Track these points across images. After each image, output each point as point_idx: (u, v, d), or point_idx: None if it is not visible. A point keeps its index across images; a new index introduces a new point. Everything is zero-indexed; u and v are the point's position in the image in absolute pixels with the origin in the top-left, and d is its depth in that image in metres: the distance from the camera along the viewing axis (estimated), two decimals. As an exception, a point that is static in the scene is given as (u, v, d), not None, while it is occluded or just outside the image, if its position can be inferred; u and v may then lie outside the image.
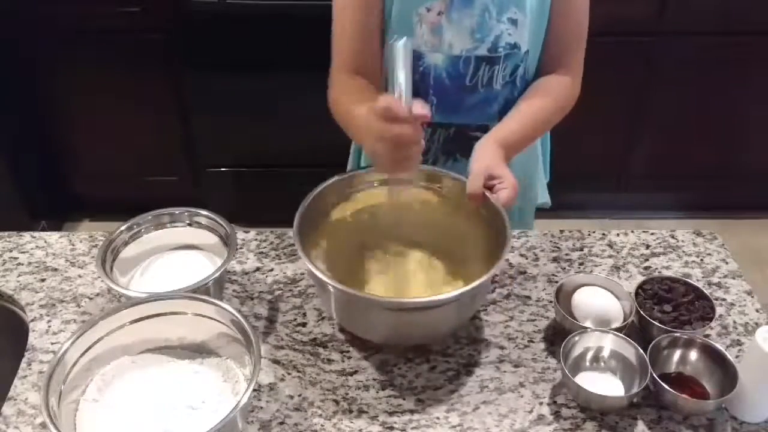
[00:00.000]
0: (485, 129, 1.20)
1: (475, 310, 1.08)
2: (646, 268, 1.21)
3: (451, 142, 1.22)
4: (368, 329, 1.02)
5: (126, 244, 1.11)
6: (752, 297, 1.16)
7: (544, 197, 1.41)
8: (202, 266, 1.11)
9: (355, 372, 1.03)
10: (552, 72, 1.21)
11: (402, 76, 0.88)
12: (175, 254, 1.14)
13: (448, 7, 1.11)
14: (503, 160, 1.08)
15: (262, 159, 2.44)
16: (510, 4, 1.12)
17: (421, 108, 0.88)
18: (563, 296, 1.08)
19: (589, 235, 1.27)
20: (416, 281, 1.09)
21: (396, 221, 1.11)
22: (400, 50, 0.88)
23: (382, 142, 0.88)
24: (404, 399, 0.99)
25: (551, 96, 1.20)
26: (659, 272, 1.20)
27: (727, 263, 1.22)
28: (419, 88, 1.16)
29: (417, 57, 1.15)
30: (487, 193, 1.03)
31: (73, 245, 1.24)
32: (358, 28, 1.14)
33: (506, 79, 1.18)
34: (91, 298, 1.14)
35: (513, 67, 1.17)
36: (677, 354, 1.00)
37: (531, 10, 1.13)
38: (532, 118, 1.18)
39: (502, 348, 1.07)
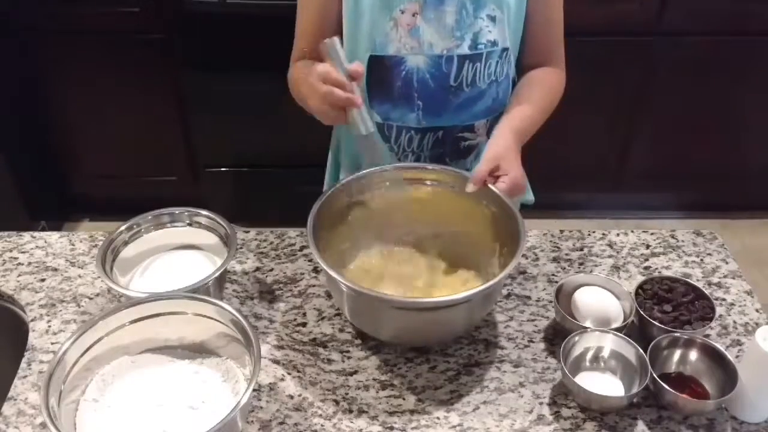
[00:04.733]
0: (471, 129, 1.22)
1: (487, 310, 1.08)
2: (646, 268, 1.21)
3: (439, 146, 1.22)
4: (379, 328, 1.03)
5: (126, 244, 1.11)
6: (752, 297, 1.16)
7: (529, 195, 1.42)
8: (202, 266, 1.11)
9: (355, 372, 1.03)
10: (540, 67, 1.24)
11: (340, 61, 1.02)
12: (175, 254, 1.14)
13: (422, 6, 1.12)
14: (515, 149, 1.11)
15: (262, 159, 2.44)
16: (488, 0, 1.13)
17: (356, 66, 1.01)
18: (563, 296, 1.08)
19: (589, 235, 1.27)
20: (428, 281, 1.11)
21: (409, 220, 1.14)
22: (329, 45, 1.02)
23: (319, 100, 1.03)
24: (404, 399, 0.99)
25: (548, 87, 1.24)
26: (659, 272, 1.20)
27: (727, 263, 1.22)
28: (404, 94, 1.17)
29: (398, 62, 1.15)
30: (489, 181, 1.06)
31: (73, 245, 1.24)
32: (316, 23, 1.19)
33: (491, 77, 1.19)
34: (91, 298, 1.14)
35: (496, 64, 1.18)
36: (677, 354, 1.00)
37: (509, 8, 1.15)
38: (540, 105, 1.21)
39: (502, 348, 1.07)
